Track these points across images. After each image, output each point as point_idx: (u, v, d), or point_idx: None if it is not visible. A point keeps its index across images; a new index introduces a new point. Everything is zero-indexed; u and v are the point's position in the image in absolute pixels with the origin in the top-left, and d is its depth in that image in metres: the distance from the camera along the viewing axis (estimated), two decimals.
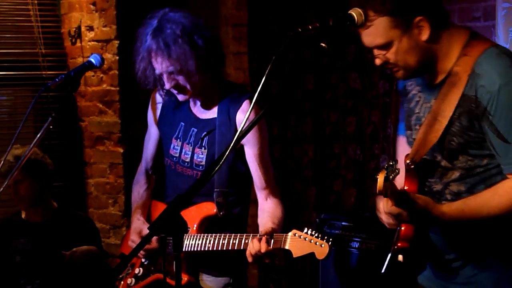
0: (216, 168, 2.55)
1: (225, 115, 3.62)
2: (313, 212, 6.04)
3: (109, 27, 5.66)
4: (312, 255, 3.39)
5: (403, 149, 3.16)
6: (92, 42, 5.76)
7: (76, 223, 4.86)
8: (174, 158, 3.77)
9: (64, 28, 5.91)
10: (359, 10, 2.84)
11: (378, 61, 2.93)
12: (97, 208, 5.89)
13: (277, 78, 5.90)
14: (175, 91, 3.62)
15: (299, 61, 5.80)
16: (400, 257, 2.91)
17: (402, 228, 2.87)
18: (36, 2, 5.78)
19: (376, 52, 2.91)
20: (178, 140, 3.76)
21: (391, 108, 6.29)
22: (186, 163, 3.72)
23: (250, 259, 3.46)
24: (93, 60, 3.60)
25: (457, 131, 2.83)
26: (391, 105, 6.27)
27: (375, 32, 2.85)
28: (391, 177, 2.61)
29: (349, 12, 2.85)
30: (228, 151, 2.56)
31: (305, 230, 3.39)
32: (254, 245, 3.41)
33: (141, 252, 3.77)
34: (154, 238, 3.72)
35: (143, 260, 3.85)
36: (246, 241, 3.47)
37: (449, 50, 2.87)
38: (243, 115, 3.57)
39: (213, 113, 3.68)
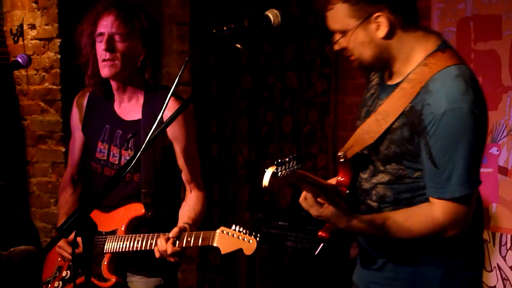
0: (129, 168, 2.55)
1: (150, 116, 3.62)
2: (246, 212, 6.06)
3: (51, 26, 5.64)
4: (241, 251, 3.42)
5: None
6: (34, 41, 5.73)
7: (14, 223, 4.83)
8: (102, 161, 3.75)
9: (6, 26, 5.87)
10: (276, 11, 2.84)
11: (336, 46, 2.87)
12: (39, 207, 5.86)
13: (217, 77, 5.92)
14: (104, 61, 3.57)
15: (208, 65, 5.81)
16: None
17: None
18: None
19: (335, 37, 2.86)
20: (105, 143, 3.75)
21: (329, 108, 6.32)
22: (114, 166, 3.71)
23: (157, 255, 3.50)
24: (19, 60, 3.58)
25: (397, 140, 2.79)
26: (330, 105, 6.31)
27: (334, 17, 2.81)
28: (281, 173, 2.50)
29: (265, 13, 2.85)
30: (144, 145, 2.58)
31: (233, 227, 3.42)
32: (161, 245, 3.46)
33: (68, 255, 3.75)
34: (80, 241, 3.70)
35: (70, 263, 3.83)
36: (162, 236, 3.50)
37: (411, 54, 2.80)
38: (169, 113, 3.56)
39: (137, 113, 3.68)
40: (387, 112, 2.81)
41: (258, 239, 3.38)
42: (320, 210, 2.79)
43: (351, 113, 6.26)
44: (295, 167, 2.56)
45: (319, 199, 2.79)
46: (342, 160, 2.92)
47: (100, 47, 3.57)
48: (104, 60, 3.57)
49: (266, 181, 2.53)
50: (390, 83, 2.89)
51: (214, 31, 2.75)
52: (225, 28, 2.76)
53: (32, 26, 5.73)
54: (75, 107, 3.90)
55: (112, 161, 3.73)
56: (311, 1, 6.23)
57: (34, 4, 5.70)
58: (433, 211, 2.77)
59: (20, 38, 5.79)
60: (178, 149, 3.67)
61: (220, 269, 6.06)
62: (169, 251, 3.43)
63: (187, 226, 3.55)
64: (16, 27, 5.79)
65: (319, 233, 2.89)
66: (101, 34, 3.57)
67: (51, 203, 5.77)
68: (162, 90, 3.69)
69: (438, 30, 5.08)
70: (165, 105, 2.73)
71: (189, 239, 3.46)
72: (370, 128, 2.86)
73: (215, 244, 3.42)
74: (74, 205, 3.96)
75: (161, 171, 3.66)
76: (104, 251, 3.64)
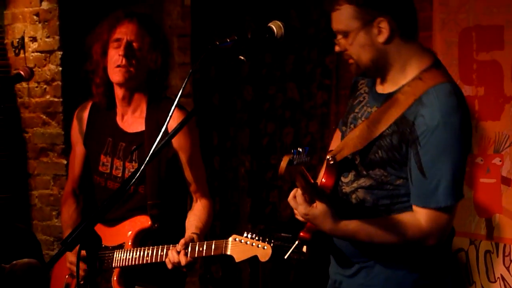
0: (133, 180, 2.55)
1: (154, 127, 3.62)
2: (248, 224, 6.06)
3: (52, 38, 5.65)
4: (255, 259, 3.40)
5: (335, 143, 3.23)
6: (36, 53, 5.74)
7: (17, 236, 4.81)
8: (105, 175, 3.74)
9: (7, 39, 5.88)
10: (279, 23, 2.86)
11: (337, 48, 2.95)
12: (41, 220, 5.85)
13: (219, 90, 5.93)
14: (118, 67, 3.58)
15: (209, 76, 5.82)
16: (304, 248, 3.00)
17: None
18: None
19: (337, 38, 2.93)
20: (107, 156, 3.74)
21: (329, 119, 6.32)
22: (118, 179, 3.70)
23: (169, 266, 3.48)
24: (21, 72, 3.58)
25: (385, 147, 2.87)
26: (330, 116, 6.30)
27: (339, 17, 2.88)
28: (295, 162, 2.61)
29: (268, 24, 2.86)
30: (149, 157, 2.57)
31: (245, 234, 3.41)
32: (172, 256, 3.45)
33: (81, 272, 3.73)
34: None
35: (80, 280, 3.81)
36: (173, 248, 3.48)
37: (406, 65, 2.89)
38: (174, 123, 3.56)
39: (140, 125, 3.68)
40: (379, 120, 2.89)
41: (272, 245, 3.37)
42: (308, 208, 2.83)
43: None
44: (306, 159, 2.66)
45: (306, 198, 2.84)
46: (331, 162, 2.98)
47: (116, 52, 3.58)
48: (118, 66, 3.58)
49: (282, 168, 2.61)
50: (381, 91, 2.96)
51: (218, 43, 2.75)
52: (228, 40, 2.77)
53: (33, 39, 5.74)
54: (75, 120, 3.89)
55: (115, 174, 3.72)
56: (312, 13, 6.23)
57: (35, 17, 5.71)
58: (417, 219, 2.84)
59: (21, 51, 5.79)
60: (183, 158, 3.66)
61: (222, 281, 6.05)
62: (183, 262, 3.42)
63: (194, 236, 3.53)
64: (17, 40, 5.80)
65: (301, 234, 2.98)
66: (118, 40, 3.59)
67: (52, 216, 5.76)
68: (165, 101, 3.69)
69: (440, 41, 5.10)
70: (169, 116, 2.76)
71: (201, 248, 3.44)
72: (361, 134, 2.93)
73: (228, 253, 3.40)
74: (77, 219, 3.94)
75: (166, 182, 3.65)
76: (113, 266, 3.62)
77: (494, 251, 5.09)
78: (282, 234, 5.07)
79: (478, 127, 4.89)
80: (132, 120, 3.71)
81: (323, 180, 3.00)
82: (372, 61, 2.89)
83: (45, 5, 5.66)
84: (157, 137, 3.54)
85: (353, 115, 3.06)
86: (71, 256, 3.77)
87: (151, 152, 2.65)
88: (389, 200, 2.91)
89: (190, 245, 3.46)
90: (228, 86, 5.55)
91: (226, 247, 3.40)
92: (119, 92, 3.68)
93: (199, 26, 5.91)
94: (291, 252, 3.03)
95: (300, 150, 2.64)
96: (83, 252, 2.55)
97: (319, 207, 2.82)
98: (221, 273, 6.02)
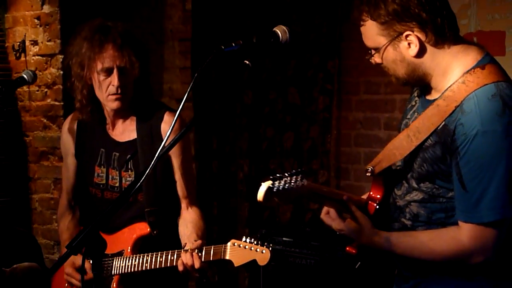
0: (135, 188, 2.55)
1: (146, 133, 3.62)
2: (246, 228, 6.05)
3: (53, 42, 5.64)
4: (254, 264, 3.40)
5: None
6: (37, 57, 5.73)
7: (17, 240, 4.81)
8: (101, 185, 3.73)
9: (8, 43, 5.87)
10: (284, 27, 2.84)
11: (372, 61, 2.83)
12: (41, 223, 5.84)
13: (219, 95, 5.93)
14: (114, 95, 3.55)
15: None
16: (357, 265, 2.92)
17: None
18: None
19: (370, 52, 2.82)
20: (102, 166, 3.73)
21: (331, 124, 6.32)
22: (115, 188, 3.69)
23: (181, 269, 3.46)
24: (25, 76, 3.58)
25: (429, 159, 2.73)
26: (331, 121, 6.30)
27: (366, 33, 2.79)
28: (276, 188, 2.46)
29: (273, 29, 2.85)
30: (149, 169, 2.56)
31: (244, 239, 3.40)
32: (187, 260, 3.42)
33: (78, 282, 3.72)
34: (88, 267, 3.64)
35: None
36: (185, 251, 3.47)
37: (447, 71, 2.73)
38: (167, 126, 3.57)
39: (132, 133, 3.66)
40: (418, 129, 2.76)
41: (271, 248, 3.35)
42: (342, 224, 2.76)
43: (355, 129, 6.25)
44: (296, 183, 2.52)
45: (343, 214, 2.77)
46: (369, 174, 2.86)
47: (108, 82, 3.53)
48: (114, 94, 3.55)
49: (260, 195, 2.48)
50: (429, 97, 2.83)
51: (223, 47, 2.74)
52: (233, 44, 2.76)
53: (34, 42, 5.73)
54: (65, 133, 3.86)
55: (112, 184, 3.70)
56: (313, 17, 6.24)
57: (36, 20, 5.70)
58: (460, 234, 2.69)
59: (22, 54, 5.79)
60: (176, 163, 3.65)
61: (219, 285, 6.04)
62: (197, 265, 3.41)
63: (202, 242, 3.50)
64: (18, 43, 5.79)
65: (347, 248, 2.84)
66: (109, 69, 3.52)
67: (53, 220, 5.75)
68: (154, 105, 3.68)
69: None
70: (171, 128, 2.74)
71: (200, 254, 3.43)
72: (401, 144, 2.81)
73: (227, 257, 3.39)
74: (75, 231, 3.91)
75: (162, 189, 3.64)
76: (113, 273, 3.61)
77: None
78: (283, 239, 5.06)
79: None
80: (123, 129, 3.69)
81: (371, 193, 2.89)
82: (408, 75, 2.77)
83: (46, 9, 5.65)
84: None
85: (405, 121, 2.92)
86: (68, 268, 3.75)
87: (152, 163, 2.62)
88: (444, 214, 2.78)
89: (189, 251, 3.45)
90: (229, 91, 5.55)
91: (225, 252, 3.40)
92: (110, 109, 3.66)
93: (200, 30, 5.91)
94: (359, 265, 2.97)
95: (287, 174, 2.51)
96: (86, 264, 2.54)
97: (352, 221, 2.75)
98: (218, 277, 6.01)
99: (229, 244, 3.40)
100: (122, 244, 3.64)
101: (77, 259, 3.69)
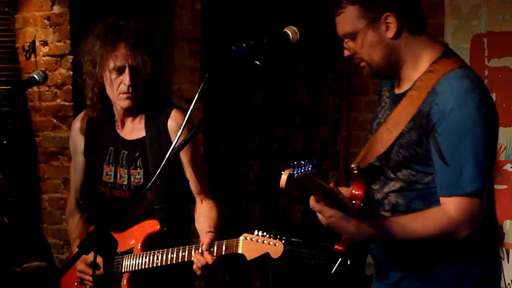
0: (146, 188, 2.55)
1: (154, 130, 3.62)
2: (257, 229, 6.05)
3: (63, 42, 5.66)
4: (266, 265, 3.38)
5: None
6: (47, 57, 5.75)
7: (27, 239, 4.82)
8: (109, 184, 3.73)
9: (18, 43, 5.90)
10: (294, 28, 2.86)
11: (346, 52, 2.92)
12: (51, 223, 5.86)
13: (229, 96, 5.93)
14: (125, 94, 3.55)
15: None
16: (348, 262, 2.95)
17: None
18: None
19: (345, 42, 2.91)
20: (110, 165, 3.73)
21: (341, 125, 6.31)
22: (124, 187, 3.69)
23: (198, 272, 3.46)
24: (36, 76, 3.57)
25: (405, 144, 2.82)
26: (341, 122, 6.30)
27: (344, 20, 2.86)
28: (296, 176, 2.57)
29: (284, 30, 2.86)
30: (159, 170, 2.57)
31: (256, 233, 3.39)
32: (199, 260, 3.42)
33: (88, 279, 3.73)
34: (100, 262, 3.66)
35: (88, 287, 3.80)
36: (196, 251, 3.46)
37: (417, 60, 2.85)
38: (174, 123, 3.59)
39: (141, 131, 3.67)
40: (396, 120, 2.85)
41: (284, 241, 3.34)
42: (331, 211, 2.77)
43: (364, 130, 6.24)
44: (311, 171, 2.62)
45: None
46: (356, 171, 2.92)
47: (120, 80, 3.54)
48: (125, 93, 3.55)
49: (283, 182, 2.57)
50: (398, 91, 2.93)
51: (233, 48, 2.74)
52: (244, 45, 2.76)
53: (44, 43, 5.75)
54: (75, 131, 3.87)
55: (120, 182, 3.71)
56: (323, 18, 6.23)
57: (46, 21, 5.73)
58: (445, 209, 2.75)
59: (32, 55, 5.81)
60: (185, 159, 3.64)
61: (229, 286, 6.05)
62: (210, 262, 3.40)
63: (214, 234, 3.50)
64: (28, 44, 5.82)
65: (335, 246, 2.89)
66: (120, 68, 3.53)
67: (62, 220, 5.76)
68: (162, 103, 3.68)
69: (451, 47, 5.06)
70: (181, 130, 2.75)
71: (212, 249, 3.43)
72: (382, 138, 2.90)
73: (240, 251, 3.37)
74: (84, 229, 3.92)
75: (171, 186, 3.64)
76: (122, 271, 3.62)
77: (505, 258, 5.09)
78: (293, 239, 5.07)
79: None
80: (132, 127, 3.69)
81: (353, 191, 2.94)
82: (384, 58, 2.86)
83: (56, 9, 5.68)
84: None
85: (377, 121, 3.01)
86: (80, 265, 3.75)
87: (162, 163, 2.63)
88: (422, 202, 2.83)
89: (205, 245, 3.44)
90: (239, 92, 5.55)
91: (237, 246, 3.38)
92: (120, 108, 3.67)
93: (209, 31, 5.91)
94: (335, 269, 2.99)
95: (303, 162, 2.60)
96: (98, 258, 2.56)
97: (342, 208, 2.77)
98: (228, 278, 6.01)
99: (241, 238, 3.39)
100: (132, 241, 3.64)
101: (89, 255, 3.70)
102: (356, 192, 2.95)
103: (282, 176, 2.58)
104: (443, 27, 5.16)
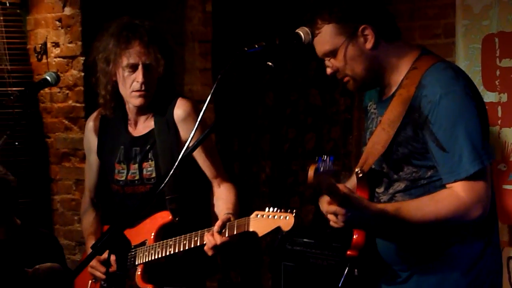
0: (159, 189, 2.56)
1: (162, 121, 3.64)
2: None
3: (74, 44, 5.68)
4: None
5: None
6: (58, 59, 5.77)
7: (40, 240, 4.82)
8: (121, 182, 3.75)
9: (30, 45, 5.92)
10: (306, 29, 2.88)
11: (328, 70, 3.00)
12: (62, 224, 5.87)
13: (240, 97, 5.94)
14: (138, 91, 3.58)
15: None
16: (356, 271, 2.96)
17: (354, 236, 2.93)
18: (2, 18, 5.79)
19: (326, 61, 2.98)
20: (122, 163, 3.75)
21: (352, 125, 6.30)
22: (136, 181, 3.71)
23: (210, 253, 3.45)
24: (48, 78, 3.59)
25: (402, 141, 2.89)
26: (353, 122, 6.29)
27: (322, 39, 2.93)
28: (322, 169, 2.65)
29: (296, 31, 2.88)
30: (171, 172, 2.58)
31: (267, 209, 3.38)
32: (209, 240, 3.42)
33: (102, 275, 3.74)
34: (113, 259, 3.68)
35: (102, 282, 3.81)
36: (207, 232, 3.46)
37: (398, 63, 2.94)
38: (179, 110, 3.61)
39: (151, 123, 3.68)
40: (390, 119, 2.92)
41: (295, 213, 3.32)
42: (345, 210, 2.80)
43: None
44: (334, 167, 2.70)
45: None
46: (360, 175, 2.97)
47: (133, 78, 3.56)
48: (138, 91, 3.57)
49: (310, 176, 2.65)
50: (386, 96, 2.99)
51: (246, 49, 2.76)
52: (256, 46, 2.78)
53: (56, 44, 5.77)
54: (88, 131, 3.89)
55: (131, 178, 3.72)
56: None
57: (57, 23, 5.74)
58: (456, 191, 2.81)
59: (44, 56, 5.83)
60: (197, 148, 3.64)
61: (241, 286, 6.05)
62: (218, 242, 3.40)
63: (230, 216, 3.50)
64: (40, 45, 5.83)
65: (348, 252, 2.95)
66: (134, 65, 3.55)
67: (74, 221, 5.78)
68: (170, 95, 3.69)
69: (463, 47, 5.08)
70: (193, 130, 2.77)
71: (223, 230, 3.43)
72: (379, 138, 2.95)
73: (250, 229, 3.36)
74: (98, 227, 3.96)
75: (182, 176, 3.61)
76: (136, 263, 3.63)
77: None
78: (304, 240, 5.06)
79: (501, 133, 4.88)
80: (143, 125, 3.72)
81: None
82: (366, 69, 2.93)
83: (67, 11, 5.69)
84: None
85: (369, 131, 3.08)
86: (92, 261, 3.76)
87: (176, 163, 2.65)
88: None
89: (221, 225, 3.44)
90: (251, 92, 5.56)
91: (248, 224, 3.37)
92: (132, 106, 3.68)
93: (220, 32, 5.92)
94: (344, 279, 3.00)
95: (325, 157, 2.67)
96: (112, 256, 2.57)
97: (354, 202, 2.81)
98: (240, 278, 6.01)
99: (252, 216, 3.38)
100: (144, 234, 3.65)
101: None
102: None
103: (309, 172, 2.65)
104: (454, 27, 5.15)
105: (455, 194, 2.81)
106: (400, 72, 2.94)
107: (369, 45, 2.91)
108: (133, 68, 3.55)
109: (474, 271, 2.93)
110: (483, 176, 2.82)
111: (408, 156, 2.89)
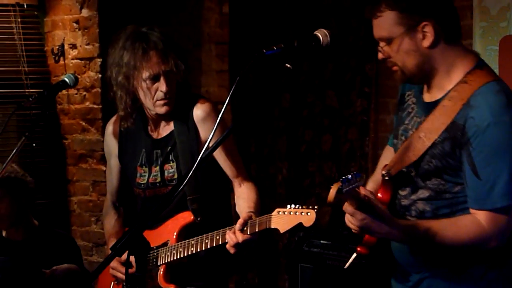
0: (178, 190, 2.57)
1: (182, 123, 3.64)
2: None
3: (92, 45, 5.70)
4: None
5: (384, 158, 3.21)
6: (75, 60, 5.79)
7: (57, 241, 4.84)
8: (142, 185, 3.75)
9: (47, 46, 5.94)
10: (325, 31, 2.86)
11: (380, 55, 2.92)
12: (80, 225, 5.89)
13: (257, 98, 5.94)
14: (163, 100, 3.57)
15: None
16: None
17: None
18: (19, 20, 5.82)
19: (380, 45, 2.91)
20: (144, 166, 3.75)
21: (369, 127, 6.30)
22: (157, 184, 3.71)
23: (231, 251, 3.43)
24: (67, 80, 3.60)
25: (438, 155, 2.83)
26: (369, 124, 6.28)
27: (381, 24, 2.86)
28: (344, 190, 2.61)
29: (314, 33, 2.86)
30: (191, 172, 2.58)
31: (288, 206, 3.36)
32: (231, 238, 3.40)
33: (122, 276, 3.75)
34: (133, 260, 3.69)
35: (124, 284, 3.81)
36: (229, 231, 3.45)
37: (451, 69, 2.85)
38: (199, 111, 3.61)
39: (170, 127, 3.68)
40: (429, 129, 2.85)
41: (316, 209, 3.31)
42: (363, 215, 2.77)
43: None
44: (357, 184, 2.64)
45: None
46: (387, 178, 2.95)
47: (156, 88, 3.55)
48: (163, 99, 3.57)
49: (331, 196, 2.65)
50: (429, 100, 2.93)
51: (264, 51, 2.75)
52: (275, 47, 2.77)
53: (73, 46, 5.79)
54: (108, 135, 3.89)
55: (152, 181, 3.73)
56: (351, 20, 6.22)
57: (75, 24, 5.76)
58: (478, 220, 2.78)
59: (61, 58, 5.85)
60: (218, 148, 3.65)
61: (259, 287, 6.05)
62: (240, 239, 3.38)
63: (251, 214, 3.49)
64: (57, 47, 5.86)
65: (358, 249, 2.95)
66: (156, 76, 3.54)
67: (91, 222, 5.80)
68: (186, 96, 3.68)
69: (480, 49, 5.06)
70: (213, 130, 2.76)
71: (245, 228, 3.41)
72: (414, 146, 2.90)
73: (272, 226, 3.35)
74: (120, 229, 3.97)
75: (202, 176, 3.64)
76: (159, 264, 3.63)
77: None
78: (321, 241, 5.07)
79: None
80: (164, 128, 3.72)
81: (379, 195, 2.96)
82: (418, 66, 2.86)
83: (85, 13, 5.72)
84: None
85: (404, 127, 3.03)
86: (113, 262, 3.76)
87: (196, 163, 2.65)
88: (449, 209, 2.87)
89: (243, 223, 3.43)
90: (268, 94, 5.57)
91: (269, 221, 3.35)
92: (154, 114, 3.69)
93: (237, 33, 5.93)
94: (350, 263, 3.01)
95: (350, 177, 2.62)
96: (131, 258, 2.58)
97: (376, 211, 2.78)
98: (258, 280, 6.01)
99: (273, 213, 3.37)
100: (166, 235, 3.65)
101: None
102: (381, 197, 2.97)
103: (331, 190, 2.64)
104: (472, 29, 5.14)
105: (477, 223, 2.78)
106: (450, 80, 2.85)
107: (426, 43, 2.82)
108: (155, 78, 3.55)
109: (488, 278, 2.90)
110: (509, 211, 2.77)
111: (440, 170, 2.85)
